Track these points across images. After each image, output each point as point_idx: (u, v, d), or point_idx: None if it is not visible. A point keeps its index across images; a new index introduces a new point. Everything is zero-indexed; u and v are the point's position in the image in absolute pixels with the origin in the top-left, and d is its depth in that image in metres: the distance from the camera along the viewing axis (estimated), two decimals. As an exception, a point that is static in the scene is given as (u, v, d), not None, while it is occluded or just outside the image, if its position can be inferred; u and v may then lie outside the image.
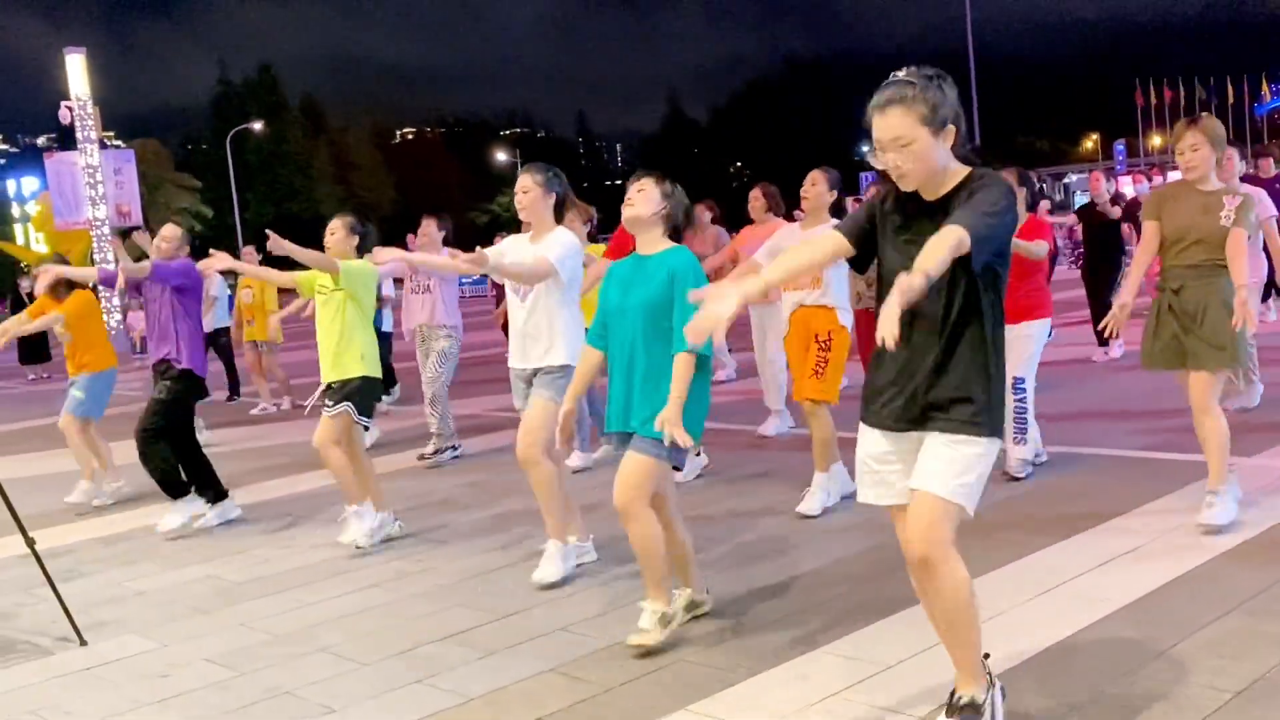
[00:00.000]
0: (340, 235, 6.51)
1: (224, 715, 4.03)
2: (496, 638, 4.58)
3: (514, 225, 5.92)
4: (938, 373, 3.14)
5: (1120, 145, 60.58)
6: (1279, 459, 6.43)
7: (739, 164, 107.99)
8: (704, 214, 10.99)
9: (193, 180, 62.85)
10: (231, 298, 13.22)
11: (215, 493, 7.19)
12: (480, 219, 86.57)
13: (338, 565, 5.94)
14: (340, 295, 6.35)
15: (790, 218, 9.36)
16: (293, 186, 77.26)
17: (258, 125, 66.37)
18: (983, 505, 5.78)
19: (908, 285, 2.69)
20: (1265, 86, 73.66)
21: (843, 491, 6.25)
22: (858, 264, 3.35)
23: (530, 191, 5.38)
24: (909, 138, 3.04)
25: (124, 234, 42.98)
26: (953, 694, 3.28)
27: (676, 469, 4.49)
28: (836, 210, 6.48)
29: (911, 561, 3.19)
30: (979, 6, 50.44)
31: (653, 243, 4.46)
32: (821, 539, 5.63)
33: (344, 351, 6.33)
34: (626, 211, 4.46)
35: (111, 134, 48.71)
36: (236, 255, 12.83)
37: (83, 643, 4.90)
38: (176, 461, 7.05)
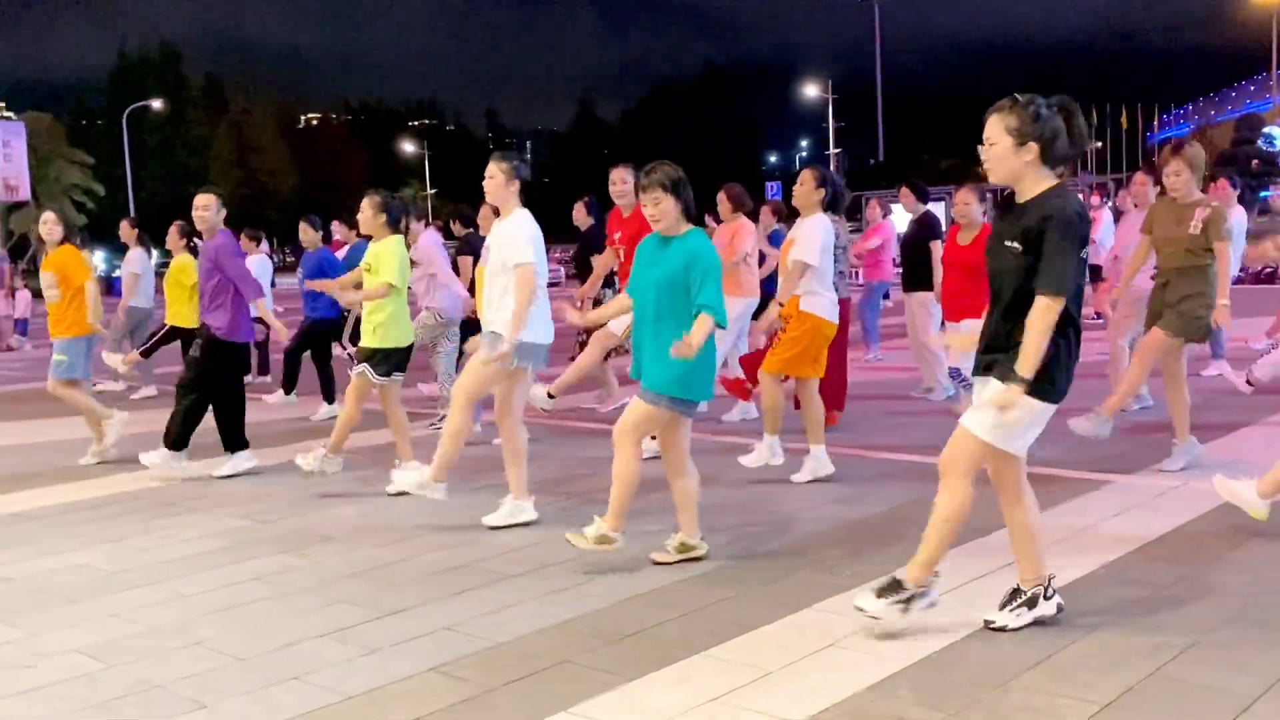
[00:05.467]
0: (369, 214, 7.14)
1: (89, 708, 3.89)
2: (378, 635, 4.50)
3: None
4: None
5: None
6: (1158, 477, 6.62)
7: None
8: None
9: (85, 156, 60.88)
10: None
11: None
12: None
13: (218, 557, 5.79)
14: (371, 274, 7.16)
15: (754, 215, 9.69)
16: (190, 168, 75.23)
17: (156, 103, 64.56)
18: (867, 515, 5.84)
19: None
20: (1157, 117, 76.24)
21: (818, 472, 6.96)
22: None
23: (495, 178, 6.01)
24: (994, 138, 3.93)
25: (10, 209, 41.52)
26: None
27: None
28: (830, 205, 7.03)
29: None
30: (889, 26, 51.37)
31: (674, 229, 5.20)
32: (714, 543, 5.63)
33: (365, 325, 7.19)
34: (656, 225, 5.21)
35: (1, 105, 46.94)
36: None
37: (-57, 631, 4.71)
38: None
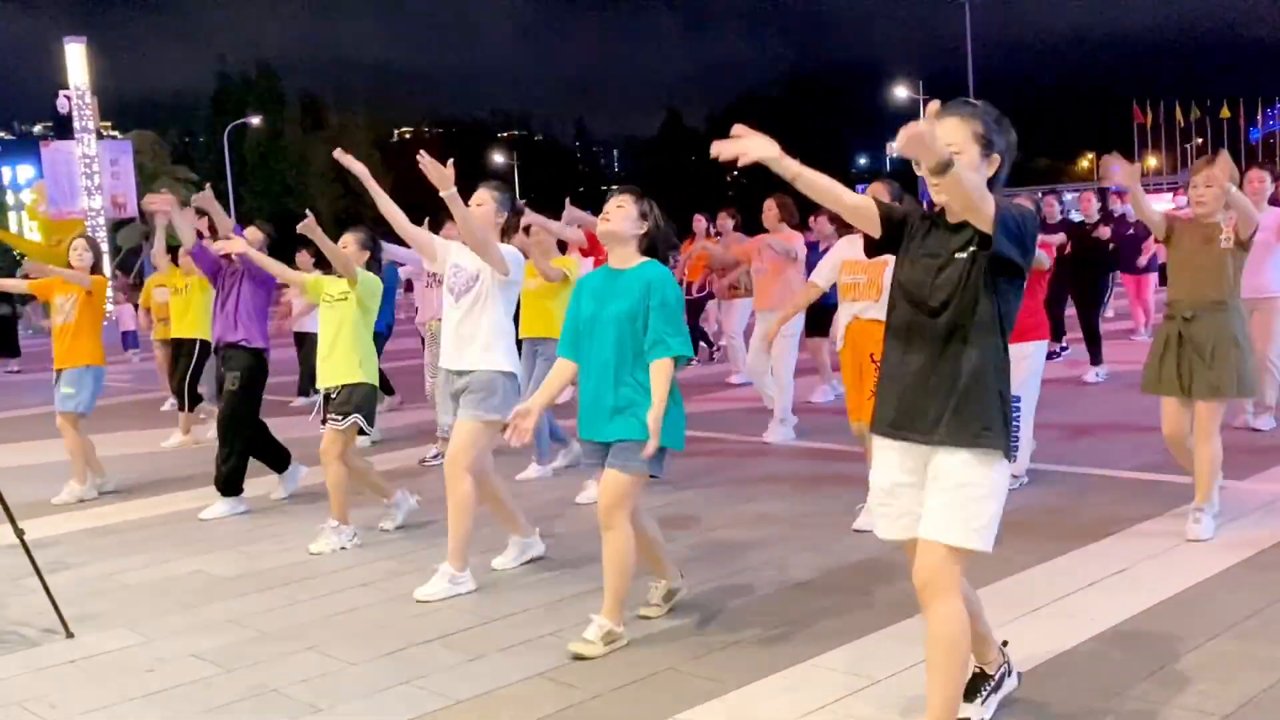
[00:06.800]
0: (353, 249, 6.50)
1: (209, 712, 4.02)
2: (486, 641, 4.58)
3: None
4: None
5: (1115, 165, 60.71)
6: (1270, 483, 6.44)
7: (735, 173, 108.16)
8: (725, 221, 11.80)
9: (189, 173, 62.60)
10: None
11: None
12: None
13: (328, 563, 5.93)
14: (347, 303, 6.38)
15: (803, 227, 9.58)
16: (289, 182, 76.98)
17: (255, 120, 66.16)
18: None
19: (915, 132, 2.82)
20: (1260, 110, 73.91)
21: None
22: (873, 245, 3.43)
23: (485, 204, 5.51)
24: (959, 147, 3.15)
25: (118, 225, 42.96)
26: None
27: (653, 477, 4.45)
28: None
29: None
30: (978, 24, 50.54)
31: (627, 258, 4.50)
32: (815, 550, 5.63)
33: (344, 359, 6.34)
34: (602, 226, 4.50)
35: (109, 124, 48.54)
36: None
37: (69, 635, 4.89)
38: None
